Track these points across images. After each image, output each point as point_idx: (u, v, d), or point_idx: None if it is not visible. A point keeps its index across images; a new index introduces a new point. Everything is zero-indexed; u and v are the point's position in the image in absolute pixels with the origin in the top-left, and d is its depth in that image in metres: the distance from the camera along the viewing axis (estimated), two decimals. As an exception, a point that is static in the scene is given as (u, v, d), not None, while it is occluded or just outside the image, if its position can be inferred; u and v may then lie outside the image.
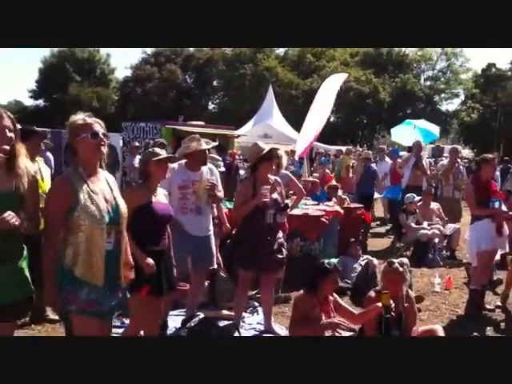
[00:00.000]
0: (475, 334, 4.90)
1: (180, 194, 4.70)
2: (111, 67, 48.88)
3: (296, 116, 26.80)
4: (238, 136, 19.63)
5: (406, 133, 14.45)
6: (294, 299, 4.39)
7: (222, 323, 4.96)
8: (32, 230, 2.84)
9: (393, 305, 3.91)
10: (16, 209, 2.64)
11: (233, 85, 42.57)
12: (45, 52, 46.88)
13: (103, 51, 47.39)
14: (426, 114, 44.53)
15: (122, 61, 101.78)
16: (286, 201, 5.11)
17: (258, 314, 5.38)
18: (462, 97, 46.11)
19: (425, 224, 8.39)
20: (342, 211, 7.46)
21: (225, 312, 5.29)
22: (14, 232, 2.65)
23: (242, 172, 12.96)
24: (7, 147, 2.71)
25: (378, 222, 11.98)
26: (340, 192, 9.19)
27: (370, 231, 9.92)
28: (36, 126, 5.15)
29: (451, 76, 46.33)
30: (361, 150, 20.92)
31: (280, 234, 4.80)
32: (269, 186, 4.57)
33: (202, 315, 4.90)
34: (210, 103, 49.44)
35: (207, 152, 4.95)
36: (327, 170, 12.56)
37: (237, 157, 14.51)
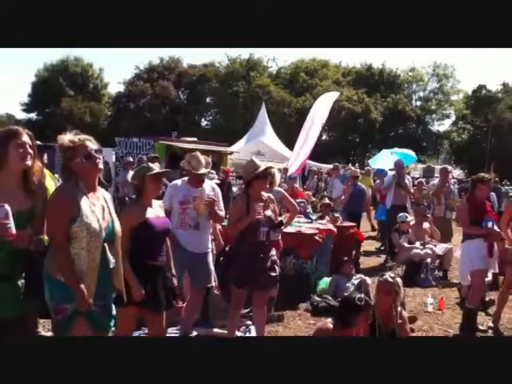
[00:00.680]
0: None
1: (181, 209, 4.77)
2: (104, 82, 48.93)
3: (288, 134, 26.97)
4: (231, 153, 19.69)
5: (384, 158, 14.87)
6: (317, 332, 4.13)
7: (214, 341, 4.90)
8: (35, 247, 2.82)
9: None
10: (27, 226, 2.69)
11: (226, 102, 42.70)
12: (38, 65, 46.78)
13: (96, 66, 47.53)
14: (418, 135, 45.15)
15: (115, 76, 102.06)
16: (280, 218, 5.09)
17: (250, 332, 5.32)
18: (453, 117, 46.59)
19: (417, 244, 8.41)
20: (335, 229, 7.47)
21: (217, 330, 5.23)
22: (21, 250, 2.66)
23: (234, 189, 12.93)
24: (29, 163, 2.75)
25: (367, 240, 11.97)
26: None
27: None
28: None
29: (442, 97, 46.81)
30: (352, 168, 20.99)
31: (273, 252, 4.78)
32: (262, 204, 4.57)
33: (194, 333, 4.83)
34: (202, 120, 49.54)
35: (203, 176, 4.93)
36: (296, 185, 12.37)
37: (230, 174, 14.49)
